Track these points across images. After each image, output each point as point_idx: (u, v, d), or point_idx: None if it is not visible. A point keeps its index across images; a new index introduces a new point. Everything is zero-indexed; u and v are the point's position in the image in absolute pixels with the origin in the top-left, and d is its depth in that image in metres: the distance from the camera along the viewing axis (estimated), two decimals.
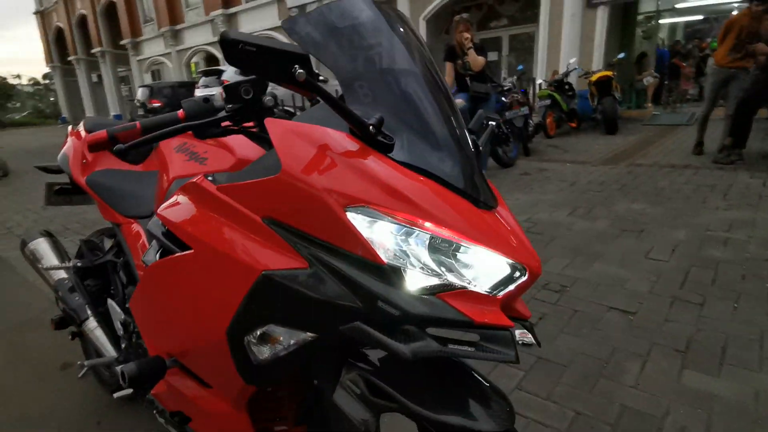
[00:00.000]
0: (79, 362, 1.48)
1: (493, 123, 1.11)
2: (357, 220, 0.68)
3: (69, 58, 26.07)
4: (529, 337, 2.00)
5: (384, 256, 0.68)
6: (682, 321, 2.09)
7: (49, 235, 1.85)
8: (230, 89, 0.87)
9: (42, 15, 27.67)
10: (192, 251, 0.86)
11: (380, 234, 0.68)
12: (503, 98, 5.63)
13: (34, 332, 2.37)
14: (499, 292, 0.72)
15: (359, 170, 0.71)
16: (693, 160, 5.19)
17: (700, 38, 11.40)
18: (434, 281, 0.69)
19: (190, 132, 0.94)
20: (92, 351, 1.87)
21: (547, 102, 7.51)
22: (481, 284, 0.71)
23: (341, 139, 0.75)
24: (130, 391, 1.37)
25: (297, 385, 1.16)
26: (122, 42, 21.85)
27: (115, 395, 1.43)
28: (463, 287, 0.69)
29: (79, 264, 1.65)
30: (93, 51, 23.96)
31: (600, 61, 9.36)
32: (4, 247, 3.88)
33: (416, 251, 0.69)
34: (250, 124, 0.94)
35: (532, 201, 4.16)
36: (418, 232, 0.68)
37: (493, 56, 11.90)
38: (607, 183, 4.60)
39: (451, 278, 0.69)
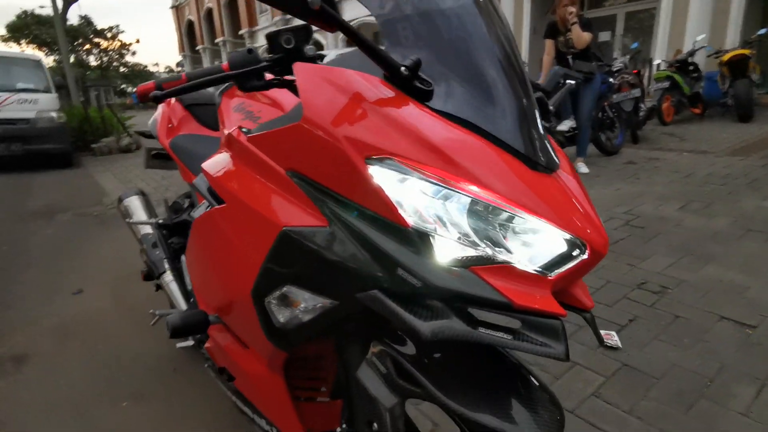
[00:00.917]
0: (150, 310, 1.59)
1: (572, 82, 0.95)
2: (380, 174, 0.60)
3: (197, 48, 29.12)
4: (615, 340, 1.78)
5: (411, 219, 0.59)
6: None
7: (142, 194, 2.03)
8: (272, 38, 0.82)
9: (177, 9, 31.15)
10: (225, 205, 0.85)
11: (409, 192, 0.59)
12: (611, 79, 5.08)
13: (137, 284, 2.51)
14: (552, 272, 0.60)
15: (388, 118, 0.62)
16: None
17: None
18: (470, 252, 0.59)
19: (248, 93, 0.92)
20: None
21: (666, 84, 6.67)
22: (530, 261, 0.60)
23: (372, 84, 0.67)
24: (190, 342, 1.46)
25: (331, 355, 1.12)
26: (240, 32, 23.61)
27: (178, 345, 1.55)
28: (506, 262, 0.59)
29: (160, 221, 1.78)
30: (216, 41, 26.44)
31: (735, 38, 8.11)
32: (106, 209, 4.36)
33: (451, 216, 0.59)
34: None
35: (636, 192, 3.71)
36: (455, 193, 0.58)
37: (605, 36, 10.88)
38: (733, 176, 3.96)
39: (492, 251, 0.59)
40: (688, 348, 1.73)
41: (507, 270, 0.59)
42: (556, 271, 0.60)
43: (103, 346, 2.05)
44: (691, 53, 7.04)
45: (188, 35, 30.46)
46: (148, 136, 1.95)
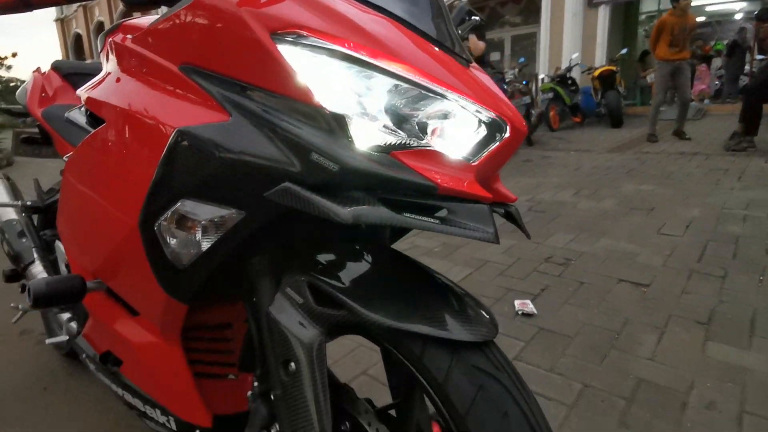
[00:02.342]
0: (12, 304, 1.33)
1: (477, 18, 0.94)
2: (289, 51, 0.52)
3: (86, 62, 26.71)
4: (530, 307, 1.79)
5: (325, 101, 0.51)
6: (702, 293, 1.86)
7: (7, 178, 1.72)
8: None
9: (62, 22, 28.28)
10: (104, 124, 0.74)
11: (322, 71, 0.52)
12: (504, 86, 5.44)
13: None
14: (475, 158, 0.57)
15: None
16: (702, 148, 4.97)
17: (703, 40, 11.17)
18: (390, 138, 0.53)
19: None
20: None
21: (550, 95, 7.31)
22: (453, 147, 0.56)
23: None
24: (64, 338, 1.24)
25: (239, 322, 0.97)
26: None
27: (48, 341, 1.32)
28: (428, 147, 0.54)
29: (28, 203, 1.51)
30: None
31: (603, 58, 9.19)
32: None
33: (369, 96, 0.53)
34: None
35: (535, 183, 3.95)
36: (373, 70, 0.52)
37: (495, 56, 11.76)
38: (614, 168, 4.38)
39: (414, 136, 0.54)
40: (594, 308, 1.79)
41: (429, 154, 0.54)
42: (479, 156, 0.57)
43: None
44: (568, 69, 7.81)
45: (75, 48, 27.83)
46: (19, 113, 1.67)
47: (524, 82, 6.52)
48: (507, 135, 0.57)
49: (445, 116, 0.55)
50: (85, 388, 1.53)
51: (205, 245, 0.61)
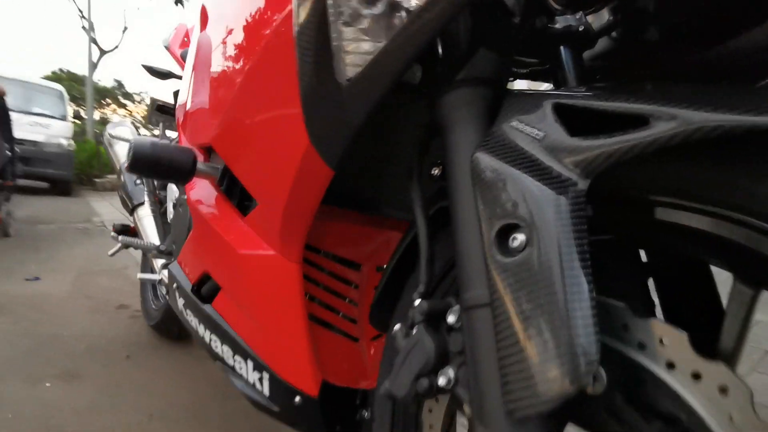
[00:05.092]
0: (113, 234, 1.35)
1: None
2: None
3: None
4: None
5: None
6: None
7: (134, 126, 1.82)
8: None
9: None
10: None
11: None
12: None
13: (105, 279, 2.37)
14: None
15: None
16: None
17: None
18: None
19: None
20: (148, 269, 1.72)
21: None
22: None
23: None
24: (156, 276, 1.16)
25: (370, 263, 0.77)
26: None
27: (139, 276, 1.37)
28: None
29: None
30: None
31: None
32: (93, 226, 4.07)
33: None
34: None
35: None
36: None
37: None
38: None
39: None
40: None
41: None
42: None
43: (44, 327, 1.66)
44: None
45: None
46: (159, 72, 1.66)
47: None
48: None
49: None
50: (167, 363, 1.42)
51: (391, 40, 0.39)
